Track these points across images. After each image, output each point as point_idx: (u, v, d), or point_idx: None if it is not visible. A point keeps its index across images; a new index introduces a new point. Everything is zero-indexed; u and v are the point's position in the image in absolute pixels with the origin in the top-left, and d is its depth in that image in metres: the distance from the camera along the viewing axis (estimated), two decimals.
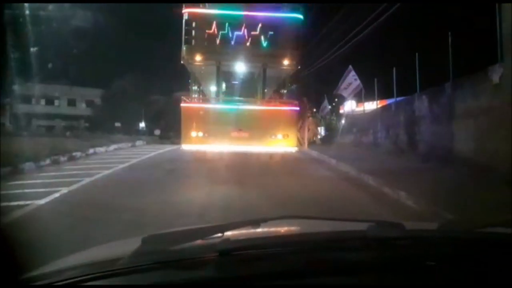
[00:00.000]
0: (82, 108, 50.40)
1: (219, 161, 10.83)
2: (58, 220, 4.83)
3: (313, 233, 1.45)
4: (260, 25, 10.37)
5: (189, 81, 12.91)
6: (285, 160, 11.00)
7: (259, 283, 1.03)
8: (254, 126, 10.30)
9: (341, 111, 28.68)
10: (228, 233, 1.23)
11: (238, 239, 1.28)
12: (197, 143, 10.38)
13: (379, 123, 14.86)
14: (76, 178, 8.20)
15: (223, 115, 10.46)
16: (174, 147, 20.43)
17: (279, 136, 10.40)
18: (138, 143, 21.94)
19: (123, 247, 1.27)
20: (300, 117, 12.83)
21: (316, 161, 13.18)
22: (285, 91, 12.63)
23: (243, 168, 9.94)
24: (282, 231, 1.63)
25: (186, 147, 10.65)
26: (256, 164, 10.68)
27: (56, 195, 6.36)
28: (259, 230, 1.39)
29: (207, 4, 10.57)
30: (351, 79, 17.27)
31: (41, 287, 1.06)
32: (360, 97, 18.82)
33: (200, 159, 10.80)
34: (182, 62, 11.12)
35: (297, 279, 1.03)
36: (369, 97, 18.11)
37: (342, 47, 18.63)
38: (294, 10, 10.71)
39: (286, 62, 10.69)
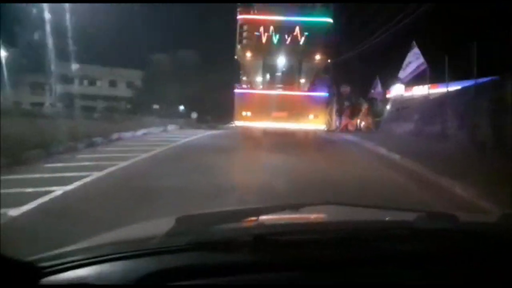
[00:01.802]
0: (123, 89, 50.06)
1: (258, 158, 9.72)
2: None
3: (355, 221, 1.41)
4: (297, 28, 12.86)
5: (240, 72, 15.52)
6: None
7: (294, 270, 0.98)
8: (291, 108, 12.73)
9: (388, 95, 26.05)
10: (264, 217, 1.23)
11: (274, 223, 1.26)
12: (246, 121, 12.98)
13: (450, 110, 12.34)
14: (82, 172, 6.67)
15: (267, 99, 12.99)
16: (210, 132, 19.21)
17: (311, 116, 12.89)
18: (170, 127, 20.28)
19: (158, 227, 1.24)
20: (330, 102, 15.93)
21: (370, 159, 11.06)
22: (317, 80, 14.54)
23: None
24: (321, 217, 1.57)
25: (238, 123, 13.38)
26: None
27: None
28: (297, 215, 1.37)
29: (256, 11, 13.31)
30: (413, 58, 14.79)
31: (69, 263, 1.00)
32: (424, 80, 16.06)
33: (234, 149, 11.43)
34: (236, 57, 14.04)
35: (334, 268, 0.98)
36: (437, 79, 15.43)
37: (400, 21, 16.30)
38: (325, 14, 13.29)
39: (317, 57, 13.15)
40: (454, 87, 13.52)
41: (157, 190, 5.53)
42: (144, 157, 9.11)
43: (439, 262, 1.01)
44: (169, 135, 15.84)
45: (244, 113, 12.89)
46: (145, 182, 6.31)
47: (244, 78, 15.22)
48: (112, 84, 50.80)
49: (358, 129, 22.65)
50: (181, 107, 44.42)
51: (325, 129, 14.18)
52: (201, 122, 34.99)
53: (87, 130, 11.85)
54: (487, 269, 1.00)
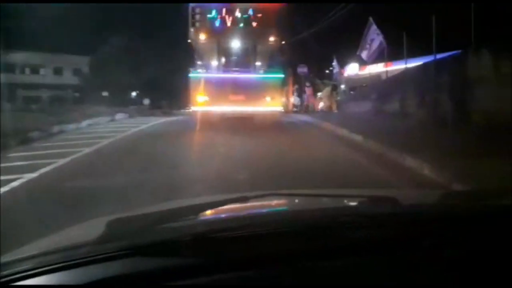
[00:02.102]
0: (69, 77, 46.97)
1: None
2: None
3: (298, 211, 1.41)
4: (249, 10, 12.81)
5: (195, 56, 15.44)
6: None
7: (238, 268, 0.93)
8: (248, 91, 12.65)
9: (343, 74, 26.20)
10: (206, 214, 1.17)
11: (214, 219, 1.21)
12: (203, 105, 12.72)
13: (410, 88, 12.11)
14: (10, 175, 5.66)
15: (223, 83, 12.85)
16: (164, 119, 18.34)
17: (268, 98, 12.82)
18: (119, 116, 18.87)
19: (89, 232, 1.15)
20: (286, 83, 16.06)
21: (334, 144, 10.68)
22: (272, 62, 14.79)
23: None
24: (264, 210, 1.48)
25: (195, 108, 13.14)
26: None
27: None
28: (241, 208, 1.33)
29: None
30: (373, 35, 14.44)
31: None
32: (383, 58, 15.78)
33: (190, 137, 11.04)
34: (189, 41, 13.85)
35: (277, 263, 0.94)
36: (396, 56, 15.17)
37: None
38: None
39: (271, 39, 13.12)
40: (412, 63, 13.31)
41: (98, 192, 4.68)
42: (86, 152, 8.12)
43: (381, 249, 0.99)
44: (117, 125, 14.60)
45: (200, 98, 12.73)
46: (86, 183, 5.41)
47: (199, 62, 15.24)
48: (57, 71, 47.32)
49: (318, 110, 22.84)
50: (134, 94, 42.57)
51: (283, 110, 14.33)
52: (155, 108, 33.66)
53: (24, 123, 10.57)
54: (430, 254, 0.98)
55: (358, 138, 9.30)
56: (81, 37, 40.25)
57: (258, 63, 14.72)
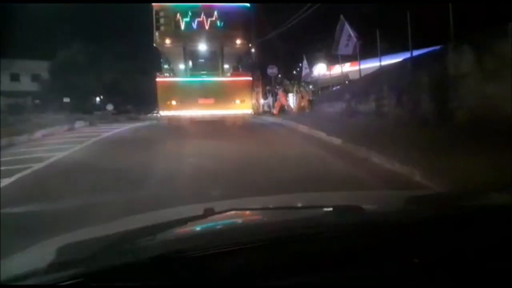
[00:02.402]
0: (27, 83, 44.57)
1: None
2: None
3: (258, 226, 1.40)
4: (215, 13, 12.70)
5: (161, 60, 15.24)
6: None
7: None
8: (217, 94, 12.61)
9: (312, 75, 25.70)
10: (163, 234, 1.13)
11: (172, 240, 1.14)
12: (171, 110, 12.56)
13: (385, 87, 11.69)
14: None
15: (191, 87, 12.72)
16: (129, 126, 17.36)
17: (237, 101, 12.74)
18: (79, 124, 17.46)
19: (39, 259, 1.10)
20: (254, 86, 15.67)
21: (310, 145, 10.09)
22: (240, 65, 15.03)
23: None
24: (225, 227, 1.39)
25: (163, 113, 12.92)
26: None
27: None
28: (197, 228, 1.30)
29: None
30: (349, 32, 14.08)
31: None
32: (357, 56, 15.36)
33: (157, 143, 9.95)
34: (154, 45, 13.35)
35: (237, 282, 0.93)
36: (370, 54, 14.80)
37: None
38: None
39: (238, 41, 13.06)
40: (387, 61, 12.98)
41: (43, 219, 3.85)
42: (35, 169, 7.12)
43: (342, 261, 0.98)
44: (76, 135, 13.18)
45: (168, 102, 12.59)
46: (29, 208, 4.53)
47: (166, 66, 15.25)
48: (14, 78, 44.83)
49: (292, 111, 22.45)
50: (98, 99, 41.02)
51: (252, 113, 14.28)
52: (121, 113, 32.10)
53: None
54: (388, 265, 0.97)
55: (337, 141, 8.77)
56: (39, 41, 38.48)
57: (226, 66, 14.65)
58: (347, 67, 20.20)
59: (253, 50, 15.96)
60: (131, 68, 39.58)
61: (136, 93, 38.58)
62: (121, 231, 1.25)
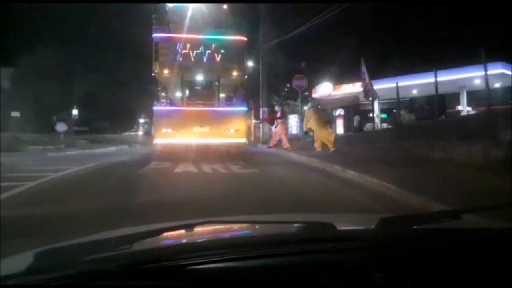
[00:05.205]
0: None
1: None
2: None
3: (233, 238, 1.42)
4: (213, 45, 13.34)
5: (158, 88, 15.88)
6: None
7: None
8: (212, 123, 12.89)
9: (314, 95, 24.16)
10: (139, 243, 1.12)
11: (147, 249, 1.14)
12: (166, 138, 12.83)
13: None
14: None
15: (187, 115, 13.05)
16: (83, 164, 10.82)
17: (232, 130, 13.03)
18: None
19: (16, 264, 1.08)
20: (249, 116, 15.68)
21: None
22: (236, 95, 15.30)
23: None
24: (200, 238, 1.43)
25: (158, 141, 13.04)
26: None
27: None
28: (174, 238, 1.31)
29: (172, 29, 13.40)
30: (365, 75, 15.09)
31: None
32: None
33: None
34: (153, 74, 13.77)
35: None
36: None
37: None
38: (240, 32, 13.72)
39: (234, 73, 13.62)
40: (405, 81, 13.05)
41: None
42: None
43: (312, 276, 1.04)
44: None
45: (164, 130, 12.79)
46: None
47: (163, 94, 15.59)
48: None
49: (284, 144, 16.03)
50: (75, 112, 35.72)
51: (246, 142, 14.13)
52: (93, 132, 28.65)
53: None
54: (358, 280, 1.04)
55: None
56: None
57: (221, 95, 15.03)
58: (358, 87, 19.00)
59: (248, 81, 15.60)
60: (108, 80, 36.10)
61: (113, 108, 36.57)
62: (97, 239, 1.26)
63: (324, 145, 13.32)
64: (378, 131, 17.09)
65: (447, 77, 17.96)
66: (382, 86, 18.07)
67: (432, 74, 13.07)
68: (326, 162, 9.99)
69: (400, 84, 15.08)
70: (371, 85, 15.31)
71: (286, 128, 17.02)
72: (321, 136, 13.42)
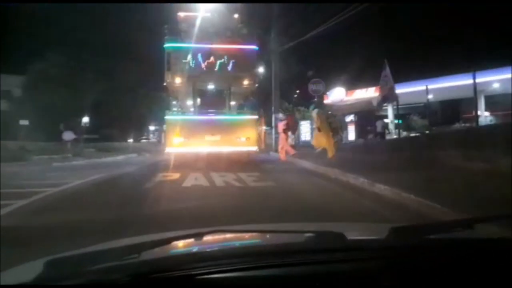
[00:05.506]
0: None
1: None
2: None
3: (241, 247, 1.42)
4: (225, 54, 13.47)
5: (170, 97, 15.92)
6: None
7: None
8: (223, 132, 13.00)
9: (325, 100, 23.48)
10: (147, 253, 1.13)
11: (156, 258, 1.14)
12: (179, 147, 12.84)
13: None
14: None
15: (199, 124, 13.22)
16: (91, 175, 10.40)
17: (243, 139, 13.15)
18: None
19: (26, 273, 1.08)
20: (259, 123, 16.05)
21: None
22: (247, 103, 15.38)
23: None
24: (209, 248, 1.42)
25: (170, 150, 13.03)
26: None
27: None
28: (183, 247, 1.32)
29: (184, 39, 13.65)
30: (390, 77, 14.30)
31: None
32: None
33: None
34: (164, 84, 13.97)
35: None
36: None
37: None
38: (251, 41, 13.93)
39: (246, 82, 13.82)
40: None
41: None
42: None
43: (323, 286, 1.02)
44: None
45: (176, 139, 12.88)
46: None
47: (174, 103, 16.02)
48: None
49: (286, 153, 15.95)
50: (86, 120, 34.88)
51: (257, 150, 14.44)
52: (102, 140, 27.90)
53: None
54: None
55: None
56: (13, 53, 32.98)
57: (232, 104, 15.27)
58: (371, 92, 18.61)
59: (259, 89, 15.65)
60: (119, 87, 35.54)
61: (124, 116, 35.77)
62: (106, 249, 1.29)
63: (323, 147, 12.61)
64: (401, 138, 16.51)
65: (464, 81, 17.55)
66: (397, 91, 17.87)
67: (447, 78, 12.56)
68: (350, 173, 8.57)
69: (413, 89, 14.54)
70: (393, 89, 14.58)
71: (286, 138, 16.51)
72: (321, 141, 12.67)
